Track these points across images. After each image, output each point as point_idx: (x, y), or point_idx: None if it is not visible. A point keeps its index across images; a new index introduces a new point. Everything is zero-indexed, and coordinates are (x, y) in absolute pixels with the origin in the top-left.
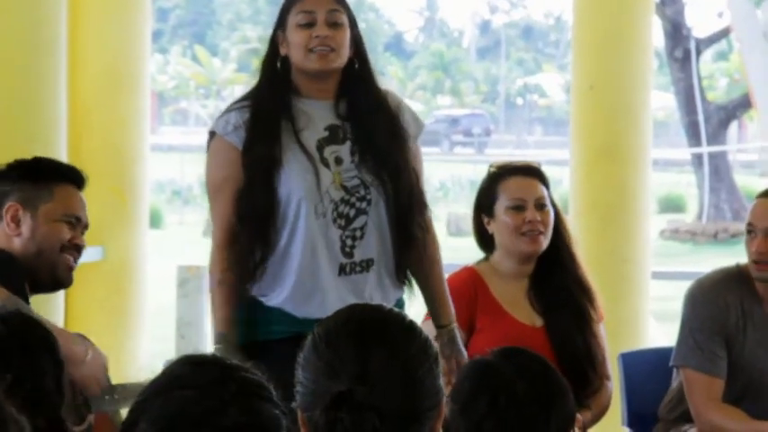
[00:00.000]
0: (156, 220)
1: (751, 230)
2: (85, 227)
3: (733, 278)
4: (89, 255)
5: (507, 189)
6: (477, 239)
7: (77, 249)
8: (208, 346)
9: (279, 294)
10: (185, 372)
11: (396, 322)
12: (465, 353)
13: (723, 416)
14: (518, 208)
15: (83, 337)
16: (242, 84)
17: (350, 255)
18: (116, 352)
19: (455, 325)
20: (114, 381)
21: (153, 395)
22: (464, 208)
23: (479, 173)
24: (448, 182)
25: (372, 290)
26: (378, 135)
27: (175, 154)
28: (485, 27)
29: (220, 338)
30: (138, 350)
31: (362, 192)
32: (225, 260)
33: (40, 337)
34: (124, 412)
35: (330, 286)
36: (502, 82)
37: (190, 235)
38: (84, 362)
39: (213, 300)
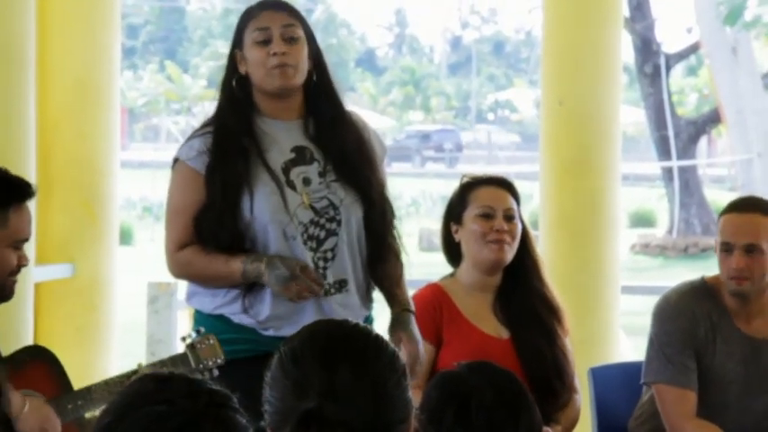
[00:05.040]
0: (126, 237)
1: (727, 249)
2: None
3: (699, 291)
4: (59, 271)
5: (477, 198)
6: (444, 250)
7: (21, 267)
8: None
9: (259, 313)
10: (151, 388)
11: (362, 337)
12: (418, 337)
13: (698, 431)
14: (486, 216)
15: (23, 393)
16: (213, 100)
17: (323, 277)
18: (86, 369)
19: (411, 313)
20: None
21: (120, 414)
22: (436, 223)
23: (451, 188)
24: (419, 197)
25: (344, 310)
26: (347, 151)
27: (147, 170)
28: (455, 43)
29: (252, 265)
30: (109, 367)
31: (332, 212)
32: (188, 251)
33: None
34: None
35: (305, 308)
36: (473, 97)
37: (161, 252)
38: (20, 417)
39: (199, 267)
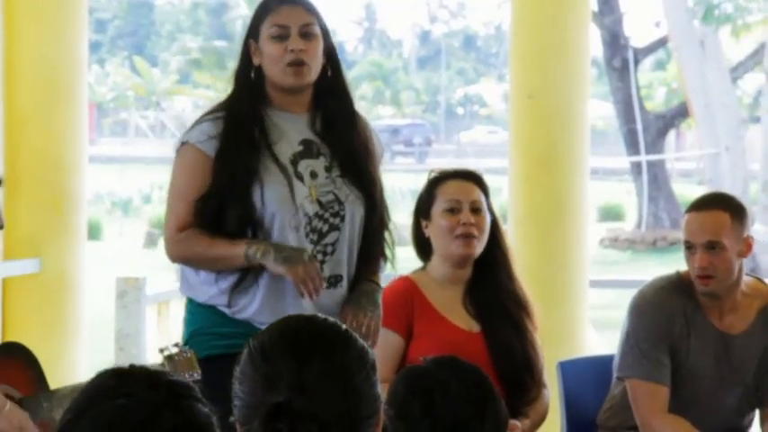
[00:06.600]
0: (95, 232)
1: (690, 247)
2: None
3: (675, 286)
4: (26, 266)
5: (444, 192)
6: (414, 246)
7: None
8: (147, 357)
9: (247, 307)
10: (112, 383)
11: (331, 331)
12: (379, 312)
13: (669, 425)
14: (453, 210)
15: (8, 395)
16: (182, 95)
17: (320, 270)
18: (54, 364)
19: (376, 285)
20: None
21: (82, 411)
22: (405, 218)
23: (420, 182)
24: (388, 192)
25: (337, 306)
26: (354, 150)
27: (115, 165)
28: (425, 37)
29: (256, 246)
30: (77, 362)
31: (336, 207)
32: (189, 231)
33: None
34: None
35: (299, 301)
36: (442, 92)
37: (129, 246)
38: (1, 412)
39: (201, 248)
